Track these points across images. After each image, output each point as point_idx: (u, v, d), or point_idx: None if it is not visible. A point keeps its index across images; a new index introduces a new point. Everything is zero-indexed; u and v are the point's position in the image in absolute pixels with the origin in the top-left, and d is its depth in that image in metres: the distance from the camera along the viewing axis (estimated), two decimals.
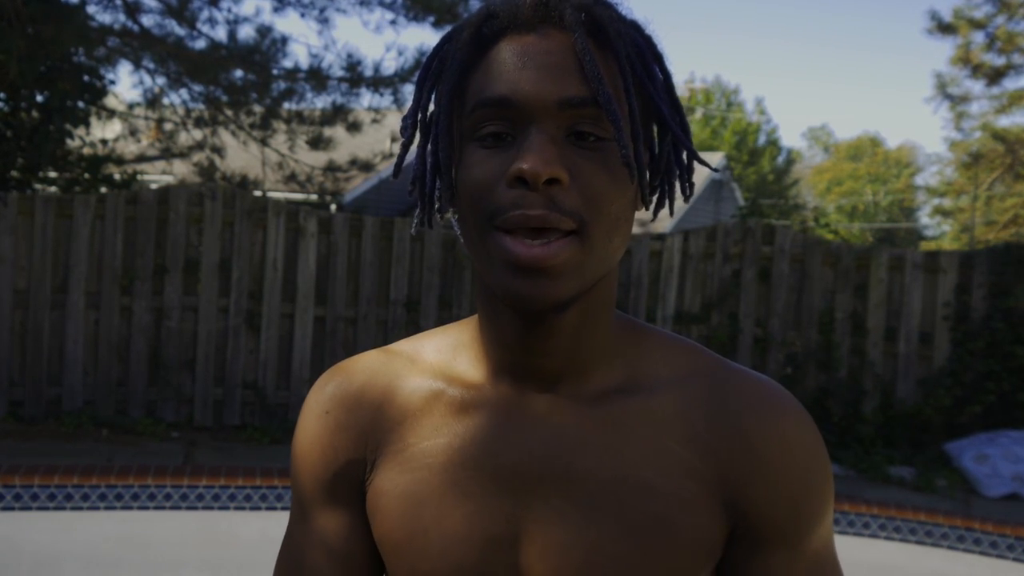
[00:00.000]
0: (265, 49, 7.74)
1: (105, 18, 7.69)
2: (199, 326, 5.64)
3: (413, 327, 5.82)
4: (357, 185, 11.08)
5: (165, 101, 8.54)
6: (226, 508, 4.02)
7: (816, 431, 0.77)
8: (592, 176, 0.69)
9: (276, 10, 7.74)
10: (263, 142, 8.31)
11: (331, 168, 8.66)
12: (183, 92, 8.21)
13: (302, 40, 12.25)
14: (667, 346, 0.80)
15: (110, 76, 17.47)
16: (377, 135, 9.31)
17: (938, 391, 5.90)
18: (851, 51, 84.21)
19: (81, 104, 7.57)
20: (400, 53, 7.92)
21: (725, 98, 34.09)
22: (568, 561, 0.74)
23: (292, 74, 7.92)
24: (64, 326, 5.48)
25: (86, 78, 7.55)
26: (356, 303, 5.82)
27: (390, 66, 8.01)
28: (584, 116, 0.69)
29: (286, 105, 8.21)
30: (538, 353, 0.75)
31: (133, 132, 9.07)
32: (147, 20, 7.69)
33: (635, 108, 0.70)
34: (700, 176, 15.72)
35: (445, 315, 5.86)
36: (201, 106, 8.37)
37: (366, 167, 8.76)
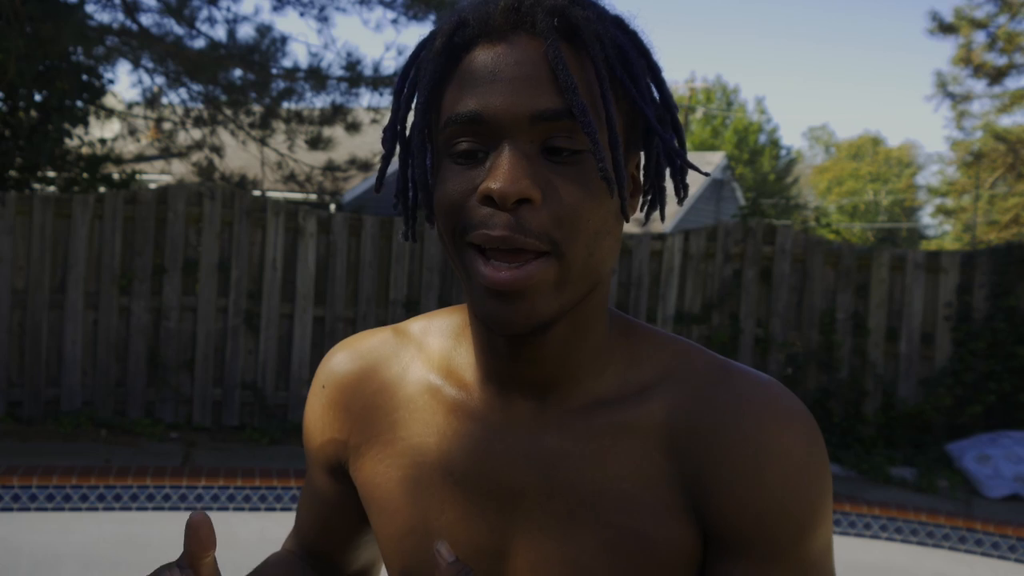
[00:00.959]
0: (264, 48, 7.73)
1: (104, 17, 7.69)
2: (198, 326, 5.63)
3: None
4: (356, 185, 11.07)
5: (164, 100, 8.54)
6: (225, 509, 4.01)
7: (811, 442, 0.72)
8: (566, 194, 0.66)
9: (275, 9, 7.73)
10: (262, 142, 8.29)
11: (330, 168, 8.65)
12: (182, 91, 8.21)
13: (301, 39, 12.26)
14: (662, 350, 0.77)
15: (109, 75, 17.42)
16: (376, 135, 9.25)
17: (939, 391, 5.88)
18: (852, 50, 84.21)
19: (80, 103, 7.56)
20: (400, 52, 7.90)
21: (726, 97, 34.09)
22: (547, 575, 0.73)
23: (291, 73, 7.91)
24: (62, 326, 5.46)
25: (85, 77, 7.54)
26: (355, 303, 5.81)
27: (390, 65, 8.02)
28: (559, 129, 0.66)
29: (285, 104, 8.21)
30: (526, 362, 0.74)
31: (132, 131, 9.06)
32: (146, 19, 7.69)
33: (613, 116, 0.67)
34: (699, 176, 15.58)
35: None
36: (200, 105, 8.36)
37: (365, 167, 8.74)
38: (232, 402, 5.69)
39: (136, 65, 7.88)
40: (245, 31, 15.12)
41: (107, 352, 5.53)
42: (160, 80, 8.20)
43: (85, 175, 7.66)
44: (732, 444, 0.71)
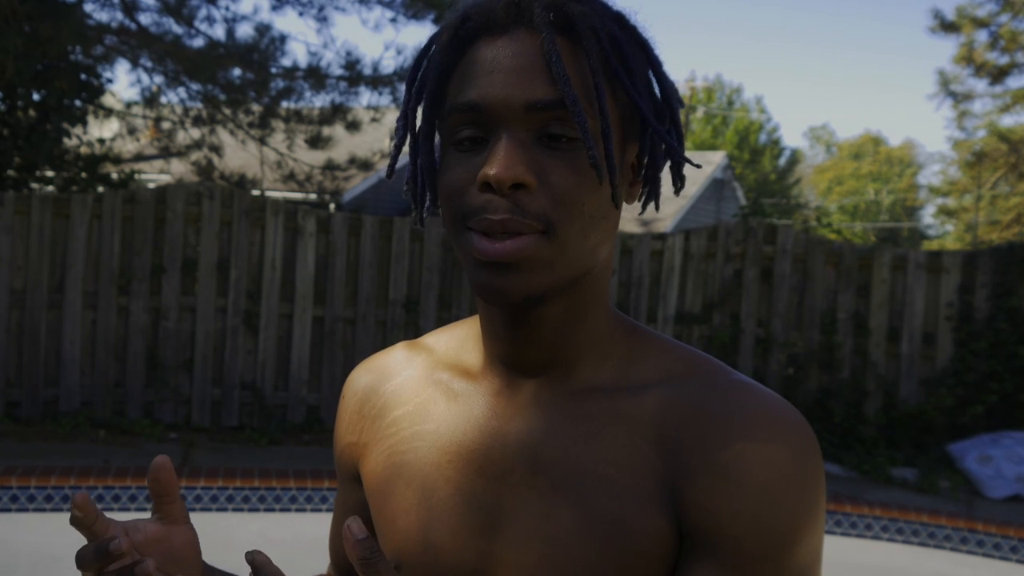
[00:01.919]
0: (263, 47, 7.72)
1: (102, 16, 7.68)
2: (197, 326, 5.61)
3: (412, 327, 5.79)
4: (356, 184, 11.06)
5: (163, 100, 8.53)
6: (224, 509, 4.00)
7: (802, 457, 0.70)
8: (562, 178, 0.70)
9: (275, 8, 7.73)
10: (261, 141, 8.28)
11: (330, 167, 8.64)
12: (181, 91, 8.19)
13: (301, 38, 12.31)
14: (667, 353, 0.79)
15: (107, 75, 17.43)
16: (376, 134, 9.27)
17: (941, 392, 5.87)
18: (852, 50, 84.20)
19: (78, 103, 7.54)
20: (399, 52, 7.91)
21: (728, 97, 34.08)
22: (528, 554, 0.74)
23: (291, 73, 7.90)
24: (61, 326, 5.45)
25: (83, 77, 7.52)
26: (355, 303, 5.79)
27: (389, 65, 8.02)
28: (553, 118, 0.70)
29: (284, 104, 8.20)
30: (523, 343, 0.77)
31: (131, 131, 9.05)
32: (145, 18, 7.68)
33: (605, 107, 0.70)
34: (701, 175, 15.62)
35: (444, 315, 5.83)
36: (199, 105, 8.35)
37: (365, 166, 8.72)
38: (231, 402, 5.67)
39: (135, 64, 7.87)
40: (244, 30, 15.11)
41: (106, 352, 5.52)
42: (159, 79, 8.19)
43: (84, 175, 7.65)
44: (718, 445, 0.71)
